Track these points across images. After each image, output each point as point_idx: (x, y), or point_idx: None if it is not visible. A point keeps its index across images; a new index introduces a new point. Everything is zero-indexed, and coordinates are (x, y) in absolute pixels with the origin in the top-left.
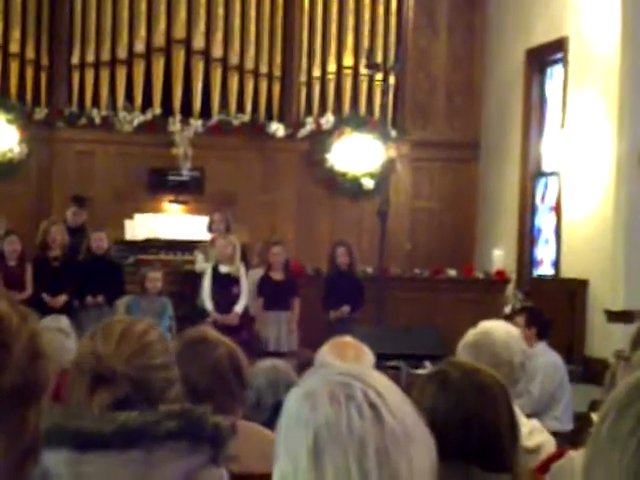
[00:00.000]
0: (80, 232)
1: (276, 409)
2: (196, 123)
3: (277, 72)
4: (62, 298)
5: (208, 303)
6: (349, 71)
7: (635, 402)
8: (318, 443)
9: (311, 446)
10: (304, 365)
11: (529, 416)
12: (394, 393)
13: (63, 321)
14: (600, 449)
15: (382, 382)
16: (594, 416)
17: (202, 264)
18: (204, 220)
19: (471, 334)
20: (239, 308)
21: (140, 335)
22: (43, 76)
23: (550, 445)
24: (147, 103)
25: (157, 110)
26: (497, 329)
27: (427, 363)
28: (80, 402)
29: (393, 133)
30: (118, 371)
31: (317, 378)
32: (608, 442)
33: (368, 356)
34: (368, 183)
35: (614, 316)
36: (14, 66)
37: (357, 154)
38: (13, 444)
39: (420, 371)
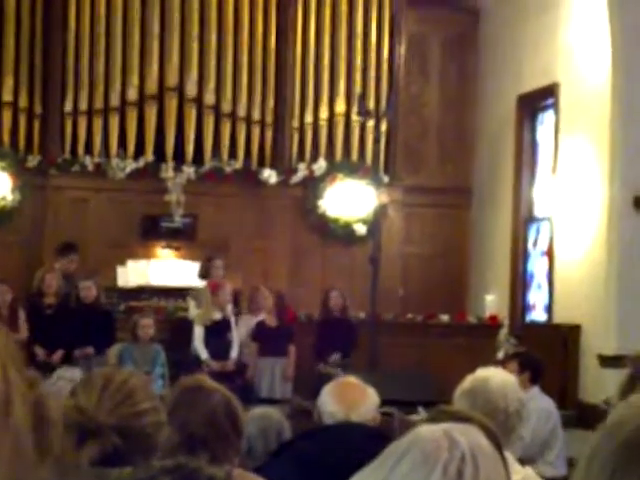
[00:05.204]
0: (70, 280)
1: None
2: (189, 170)
3: (269, 119)
4: (58, 355)
5: (202, 351)
6: (341, 117)
7: (600, 453)
8: (397, 469)
9: (390, 469)
10: (297, 412)
11: (522, 462)
12: (492, 479)
13: (76, 373)
14: None
15: (489, 461)
16: None
17: (195, 311)
18: (197, 266)
19: (467, 381)
20: (235, 353)
21: (121, 384)
22: (36, 124)
23: None
24: (140, 150)
25: (150, 157)
26: (494, 377)
27: (420, 409)
28: (67, 458)
29: (385, 179)
30: (103, 423)
31: (443, 425)
32: None
33: (372, 398)
34: (360, 229)
35: (607, 361)
36: (7, 114)
37: (349, 200)
38: None
39: (413, 417)
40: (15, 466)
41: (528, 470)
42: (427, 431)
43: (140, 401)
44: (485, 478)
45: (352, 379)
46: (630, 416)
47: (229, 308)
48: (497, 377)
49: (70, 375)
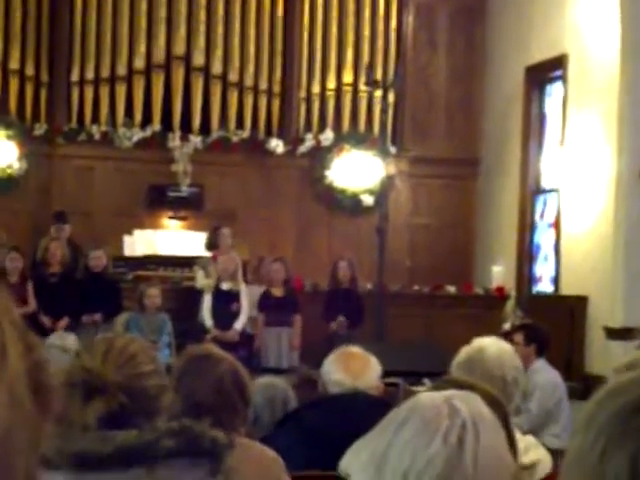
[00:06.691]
0: (75, 248)
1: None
2: (196, 139)
3: (276, 88)
4: (63, 322)
5: (208, 320)
6: (349, 88)
7: (596, 418)
8: (398, 435)
9: (391, 436)
10: (304, 381)
11: (526, 433)
12: (493, 447)
13: (69, 340)
14: (569, 466)
15: (490, 429)
16: None
17: (203, 281)
18: (203, 236)
19: (464, 351)
20: (239, 325)
21: (122, 347)
22: (43, 93)
23: (546, 461)
24: (147, 119)
25: (157, 126)
26: (489, 346)
27: (426, 380)
28: (74, 417)
29: (392, 150)
30: (110, 381)
31: (444, 392)
32: (575, 460)
33: (374, 367)
34: (367, 199)
35: (613, 333)
36: (14, 83)
37: (356, 170)
38: None
39: (419, 388)
40: (12, 413)
41: (529, 438)
42: (427, 398)
43: (142, 363)
44: (486, 445)
45: (355, 348)
46: (627, 383)
47: (239, 278)
48: (493, 346)
49: (61, 343)
